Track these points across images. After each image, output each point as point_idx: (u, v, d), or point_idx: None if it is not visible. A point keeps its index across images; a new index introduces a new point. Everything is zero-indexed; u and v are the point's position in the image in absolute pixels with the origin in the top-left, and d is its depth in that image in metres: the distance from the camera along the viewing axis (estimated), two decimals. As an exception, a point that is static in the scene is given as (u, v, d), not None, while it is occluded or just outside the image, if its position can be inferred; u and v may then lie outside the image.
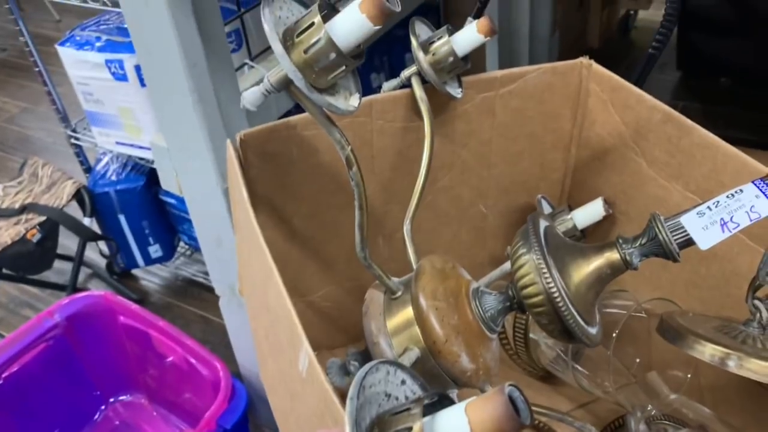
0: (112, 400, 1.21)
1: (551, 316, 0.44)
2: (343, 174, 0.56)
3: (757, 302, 0.47)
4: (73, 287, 1.33)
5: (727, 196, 0.43)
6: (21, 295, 1.53)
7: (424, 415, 0.28)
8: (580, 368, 0.64)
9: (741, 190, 0.43)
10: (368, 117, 0.60)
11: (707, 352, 0.45)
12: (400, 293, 0.50)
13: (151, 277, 1.57)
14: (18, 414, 1.08)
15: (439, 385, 0.49)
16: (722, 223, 0.42)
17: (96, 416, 1.20)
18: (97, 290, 1.18)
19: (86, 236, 1.30)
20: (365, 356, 0.52)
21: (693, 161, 0.56)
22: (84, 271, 1.57)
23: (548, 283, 0.44)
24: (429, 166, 0.57)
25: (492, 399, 0.26)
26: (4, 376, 1.07)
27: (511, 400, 0.27)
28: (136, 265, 1.46)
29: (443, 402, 0.30)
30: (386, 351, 0.49)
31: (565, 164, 0.71)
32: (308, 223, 0.63)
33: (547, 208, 0.70)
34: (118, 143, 1.25)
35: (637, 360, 0.65)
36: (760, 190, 0.42)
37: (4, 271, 1.36)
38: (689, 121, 0.56)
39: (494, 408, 0.26)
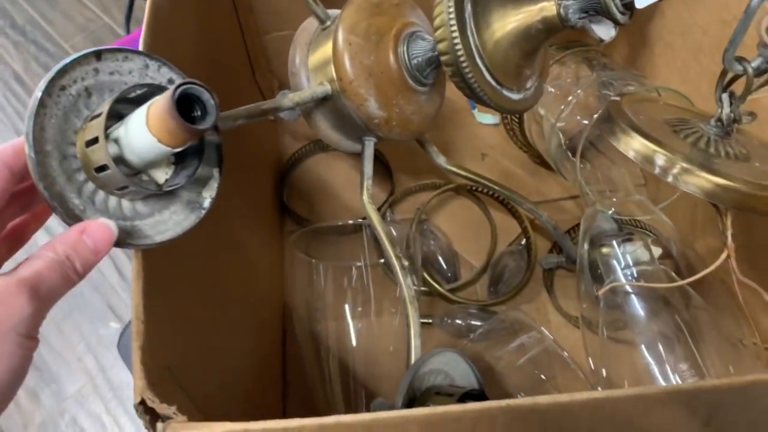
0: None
1: (455, 68, 0.39)
2: None
3: (724, 95, 0.37)
4: None
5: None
6: None
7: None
8: (570, 156, 0.57)
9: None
10: None
11: (633, 146, 0.37)
12: (329, 23, 0.46)
13: None
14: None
15: (354, 129, 0.46)
16: (673, -24, 0.32)
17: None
18: None
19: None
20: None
21: None
22: None
23: (453, 31, 0.37)
24: None
25: (165, 94, 0.24)
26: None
27: (201, 103, 0.25)
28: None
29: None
30: (304, 84, 0.46)
31: None
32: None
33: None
34: None
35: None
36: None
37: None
38: None
39: (163, 103, 0.24)
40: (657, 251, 0.49)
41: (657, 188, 0.57)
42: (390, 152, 0.66)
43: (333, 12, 0.46)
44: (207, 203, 0.30)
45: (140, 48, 0.34)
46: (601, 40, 0.42)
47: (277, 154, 0.68)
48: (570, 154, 0.57)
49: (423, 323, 0.56)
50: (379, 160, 0.66)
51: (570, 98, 0.55)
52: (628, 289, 0.46)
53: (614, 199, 0.50)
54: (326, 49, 0.44)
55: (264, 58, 0.65)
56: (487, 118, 0.68)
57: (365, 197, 0.46)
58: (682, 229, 0.55)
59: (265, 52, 0.64)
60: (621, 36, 0.62)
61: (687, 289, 0.46)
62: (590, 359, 0.47)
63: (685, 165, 0.36)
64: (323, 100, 0.45)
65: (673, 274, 0.48)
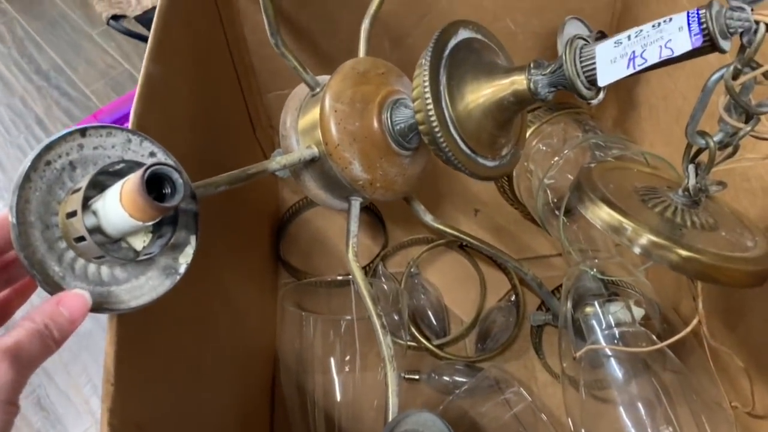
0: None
1: (431, 138, 0.40)
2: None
3: (690, 167, 0.38)
4: None
5: (653, 26, 0.34)
6: None
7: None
8: (558, 213, 0.58)
9: (670, 19, 0.33)
10: None
11: (600, 216, 0.38)
12: (318, 90, 0.48)
13: None
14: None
15: (341, 189, 0.48)
16: (632, 57, 0.34)
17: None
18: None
19: None
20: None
21: None
22: None
23: (428, 104, 0.39)
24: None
25: (136, 173, 0.26)
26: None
27: (171, 181, 0.26)
28: None
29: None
30: (294, 146, 0.48)
31: (616, -17, 0.59)
32: (301, 11, 0.61)
33: (577, 32, 0.60)
34: None
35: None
36: (688, 21, 0.32)
37: None
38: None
39: (134, 181, 0.26)
40: (640, 312, 0.50)
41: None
42: (384, 206, 0.67)
43: (323, 78, 0.49)
44: (182, 269, 0.32)
45: (131, 115, 0.36)
46: (589, 103, 0.44)
47: (275, 206, 0.70)
48: (557, 212, 0.58)
49: (410, 379, 0.57)
50: (374, 213, 0.68)
51: (556, 158, 0.56)
52: (608, 351, 0.47)
53: (596, 260, 0.51)
54: (314, 115, 0.46)
55: (265, 116, 0.67)
56: (480, 174, 0.69)
57: (350, 255, 0.48)
58: (668, 290, 0.55)
59: (267, 110, 0.67)
60: (610, 99, 0.64)
61: (666, 352, 0.47)
62: (570, 419, 0.48)
63: (650, 236, 0.36)
64: (311, 162, 0.47)
65: (654, 337, 0.48)
